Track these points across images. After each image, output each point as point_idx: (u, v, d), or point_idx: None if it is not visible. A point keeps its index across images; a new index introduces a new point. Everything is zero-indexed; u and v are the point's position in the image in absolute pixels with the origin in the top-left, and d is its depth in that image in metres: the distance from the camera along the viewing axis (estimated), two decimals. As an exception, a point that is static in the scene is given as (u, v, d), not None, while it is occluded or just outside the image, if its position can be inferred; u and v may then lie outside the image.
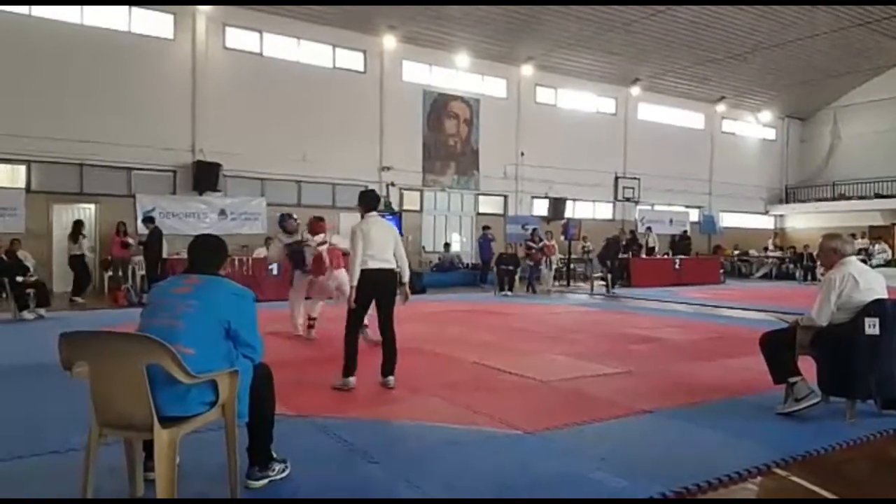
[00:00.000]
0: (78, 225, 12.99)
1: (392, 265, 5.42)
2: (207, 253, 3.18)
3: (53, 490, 3.13)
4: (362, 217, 5.52)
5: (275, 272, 12.12)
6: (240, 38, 16.34)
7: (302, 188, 17.30)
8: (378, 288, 5.34)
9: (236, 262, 12.23)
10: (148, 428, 2.71)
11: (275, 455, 3.28)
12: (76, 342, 2.82)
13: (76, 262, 12.74)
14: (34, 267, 11.35)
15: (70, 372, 2.84)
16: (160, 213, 14.17)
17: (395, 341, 5.46)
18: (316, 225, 7.98)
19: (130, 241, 13.30)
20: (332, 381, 5.32)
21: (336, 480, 3.35)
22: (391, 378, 5.38)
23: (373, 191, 5.91)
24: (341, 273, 7.45)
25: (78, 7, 14.31)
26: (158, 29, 15.31)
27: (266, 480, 3.20)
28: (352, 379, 5.28)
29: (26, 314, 9.67)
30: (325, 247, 7.74)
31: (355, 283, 5.28)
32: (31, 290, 9.95)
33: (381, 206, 5.55)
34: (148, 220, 13.12)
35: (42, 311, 9.87)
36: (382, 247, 5.32)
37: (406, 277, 5.67)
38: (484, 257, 17.76)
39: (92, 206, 14.72)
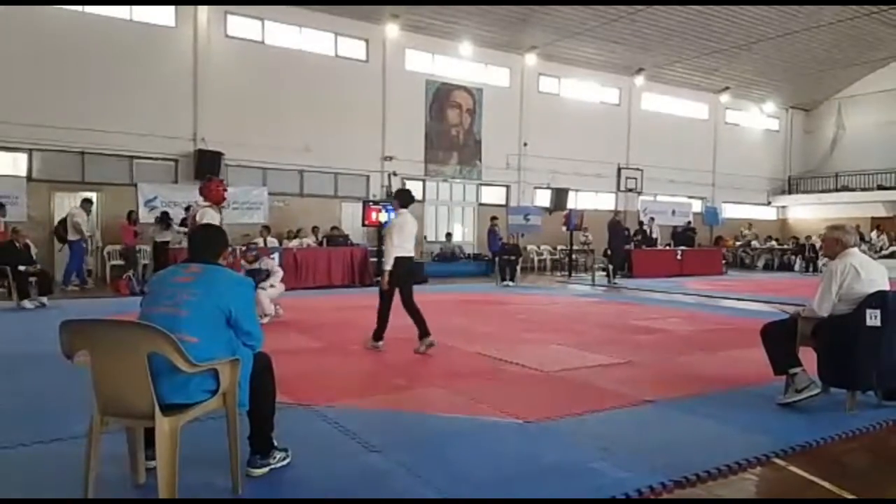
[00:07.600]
0: (165, 214, 13.27)
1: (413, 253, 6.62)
2: (207, 242, 3.21)
3: (56, 477, 3.15)
4: (396, 211, 6.65)
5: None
6: (241, 26, 16.26)
7: (304, 177, 17.28)
8: (405, 271, 6.48)
9: (237, 252, 12.14)
10: (149, 416, 2.71)
11: (276, 443, 3.30)
12: (78, 330, 2.82)
13: (161, 248, 12.77)
14: (36, 255, 11.36)
15: (72, 360, 2.85)
16: (162, 202, 14.15)
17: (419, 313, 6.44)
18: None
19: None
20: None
21: (337, 469, 3.36)
22: (427, 339, 6.32)
23: (408, 190, 7.01)
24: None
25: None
26: (160, 17, 15.24)
27: (267, 468, 3.22)
28: (380, 343, 6.49)
29: (27, 303, 9.68)
30: None
31: (389, 267, 6.33)
32: (33, 279, 9.97)
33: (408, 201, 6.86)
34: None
35: (44, 299, 9.88)
36: (411, 238, 6.56)
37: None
38: (492, 248, 16.74)
39: (93, 195, 14.69)
